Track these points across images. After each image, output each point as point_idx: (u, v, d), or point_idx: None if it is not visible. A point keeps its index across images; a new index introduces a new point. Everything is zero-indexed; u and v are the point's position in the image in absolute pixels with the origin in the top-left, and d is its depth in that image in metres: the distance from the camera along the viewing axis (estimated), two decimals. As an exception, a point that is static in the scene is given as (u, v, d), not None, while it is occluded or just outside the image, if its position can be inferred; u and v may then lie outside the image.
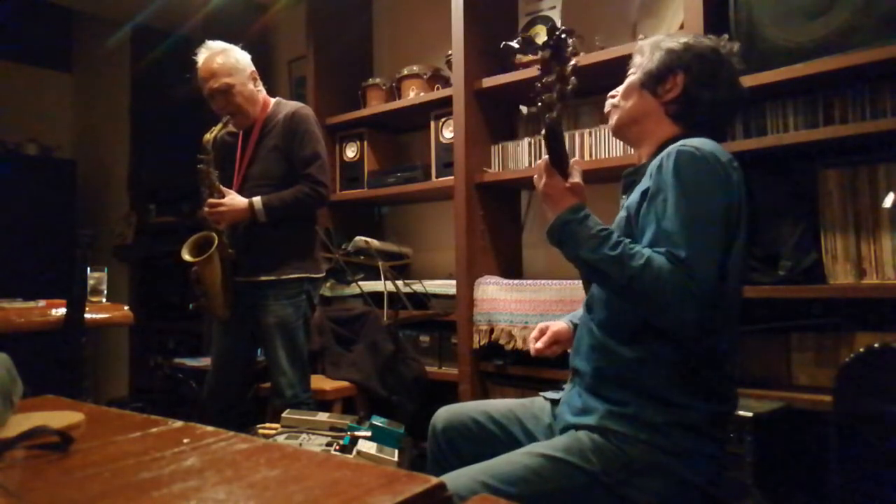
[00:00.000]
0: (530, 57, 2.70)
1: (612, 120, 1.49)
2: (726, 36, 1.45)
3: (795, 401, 1.93)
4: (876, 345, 1.42)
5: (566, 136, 1.34)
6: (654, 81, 1.40)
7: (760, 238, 2.14)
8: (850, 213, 1.98)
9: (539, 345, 1.56)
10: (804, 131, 2.03)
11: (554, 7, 2.72)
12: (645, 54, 1.44)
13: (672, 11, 2.44)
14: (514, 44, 1.30)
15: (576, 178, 1.33)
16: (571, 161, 1.35)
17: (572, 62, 1.28)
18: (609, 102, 1.50)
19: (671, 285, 1.15)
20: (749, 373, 2.15)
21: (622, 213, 1.37)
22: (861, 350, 1.44)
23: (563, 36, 1.26)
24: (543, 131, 1.32)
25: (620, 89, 1.47)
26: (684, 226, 1.19)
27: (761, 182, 2.16)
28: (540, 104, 1.29)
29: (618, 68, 1.58)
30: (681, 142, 1.29)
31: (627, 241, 1.24)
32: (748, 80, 2.06)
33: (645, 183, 1.31)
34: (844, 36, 1.90)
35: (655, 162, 1.29)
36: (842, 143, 2.00)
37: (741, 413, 1.75)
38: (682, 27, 2.27)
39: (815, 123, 2.04)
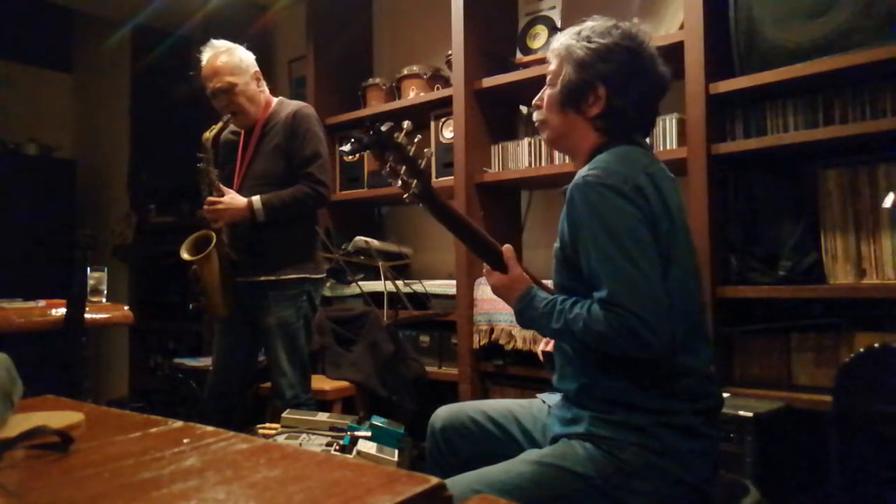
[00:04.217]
0: (531, 57, 2.71)
1: (543, 136, 1.49)
2: (636, 20, 1.41)
3: (795, 401, 1.93)
4: (876, 345, 1.42)
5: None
6: (574, 98, 1.37)
7: (760, 238, 2.14)
8: (850, 213, 1.98)
9: (547, 347, 1.56)
10: (804, 131, 2.03)
11: (554, 7, 2.72)
12: (559, 62, 1.40)
13: (672, 11, 2.44)
14: (346, 147, 1.34)
15: (514, 268, 1.40)
16: (503, 249, 1.41)
17: (399, 140, 1.30)
18: (536, 116, 1.48)
19: (614, 331, 1.18)
20: (749, 373, 2.15)
21: (557, 243, 1.37)
22: (861, 350, 1.44)
23: (378, 128, 1.29)
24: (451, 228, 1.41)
25: (544, 100, 1.44)
26: (607, 261, 1.20)
27: (761, 182, 2.17)
28: (416, 200, 1.34)
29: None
30: (587, 167, 1.30)
31: (568, 304, 1.27)
32: (748, 81, 2.07)
33: (564, 212, 1.32)
34: (844, 36, 1.90)
35: (567, 195, 1.31)
36: (842, 143, 2.00)
37: (741, 413, 1.75)
38: (681, 27, 2.27)
39: (815, 123, 2.04)
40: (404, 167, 1.32)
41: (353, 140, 1.34)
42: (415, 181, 1.33)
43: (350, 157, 1.39)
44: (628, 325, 1.16)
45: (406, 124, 1.34)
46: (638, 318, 1.16)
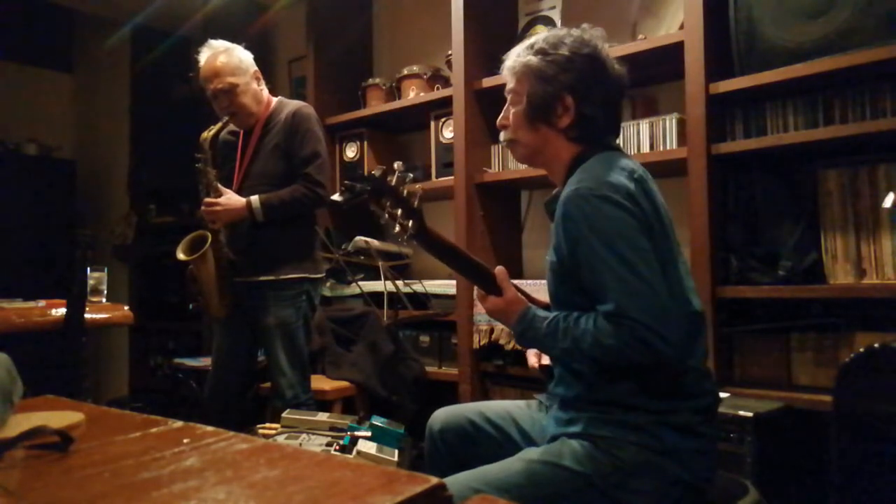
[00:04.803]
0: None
1: (516, 154, 1.49)
2: (585, 25, 1.41)
3: (795, 401, 1.93)
4: (876, 345, 1.42)
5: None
6: (542, 112, 1.37)
7: (760, 238, 2.14)
8: (850, 213, 1.98)
9: (543, 360, 1.56)
10: (804, 131, 2.03)
11: (554, 7, 2.72)
12: (518, 79, 1.39)
13: (672, 11, 2.44)
14: (338, 197, 1.34)
15: (508, 289, 1.39)
16: (496, 272, 1.40)
17: (393, 182, 1.30)
18: (504, 136, 1.46)
19: (625, 344, 1.17)
20: (749, 373, 2.15)
21: (551, 258, 1.36)
22: (861, 350, 1.44)
23: (375, 175, 1.30)
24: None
25: (509, 119, 1.43)
26: (610, 273, 1.20)
27: (761, 182, 2.17)
28: (413, 240, 1.34)
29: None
30: (576, 180, 1.29)
31: (572, 321, 1.25)
32: (748, 81, 2.07)
33: (559, 226, 1.31)
34: (844, 36, 1.90)
35: (560, 209, 1.30)
36: (842, 143, 2.00)
37: (741, 413, 1.75)
38: (681, 27, 2.27)
39: (815, 123, 2.04)
40: (400, 210, 1.32)
41: (343, 188, 1.33)
42: (410, 221, 1.32)
43: (346, 206, 1.38)
44: (639, 336, 1.16)
45: (397, 164, 1.33)
46: (648, 328, 1.16)
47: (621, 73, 1.40)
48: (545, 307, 1.43)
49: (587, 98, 1.35)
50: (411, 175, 1.34)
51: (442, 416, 1.55)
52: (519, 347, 2.52)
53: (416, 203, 1.32)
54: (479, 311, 2.68)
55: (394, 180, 1.30)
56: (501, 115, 1.46)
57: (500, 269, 1.41)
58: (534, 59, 1.37)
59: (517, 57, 1.41)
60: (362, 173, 1.31)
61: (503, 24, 2.86)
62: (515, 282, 1.44)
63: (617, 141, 1.46)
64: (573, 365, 1.33)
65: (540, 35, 1.41)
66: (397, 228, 1.33)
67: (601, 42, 1.39)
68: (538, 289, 2.47)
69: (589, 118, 1.36)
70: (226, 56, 2.38)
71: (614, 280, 1.19)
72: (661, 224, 1.28)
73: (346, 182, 1.34)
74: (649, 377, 1.25)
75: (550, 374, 1.45)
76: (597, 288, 1.22)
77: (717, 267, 2.14)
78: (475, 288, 1.45)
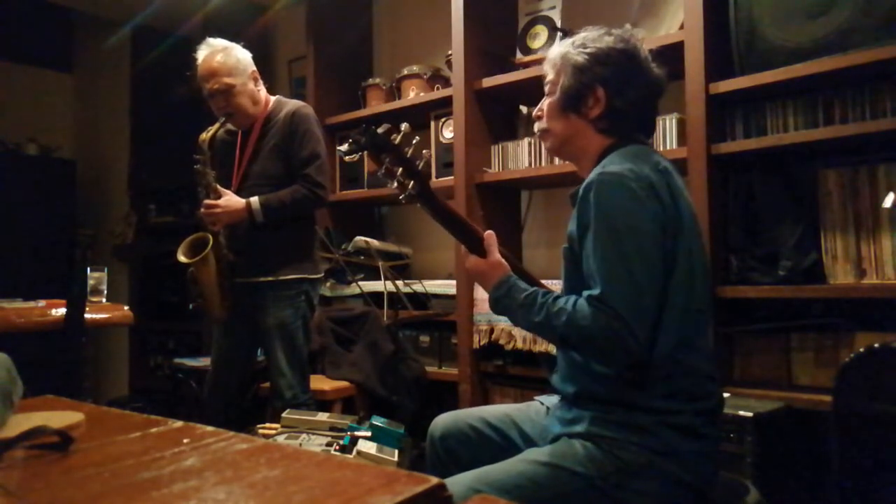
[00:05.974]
0: (531, 57, 2.71)
1: (546, 144, 1.51)
2: (628, 26, 1.44)
3: (795, 401, 1.93)
4: (876, 345, 1.42)
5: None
6: (574, 102, 1.40)
7: (760, 238, 2.14)
8: (850, 213, 1.98)
9: None
10: (804, 131, 2.03)
11: (554, 7, 2.72)
12: (556, 71, 1.43)
13: (672, 11, 2.44)
14: (344, 147, 1.37)
15: (493, 254, 1.40)
16: (485, 236, 1.42)
17: (395, 142, 1.32)
18: (538, 127, 1.50)
19: (598, 328, 1.19)
20: (749, 373, 2.15)
21: (565, 245, 1.38)
22: (861, 350, 1.44)
23: (375, 130, 1.32)
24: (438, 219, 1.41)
25: (544, 109, 1.47)
26: (604, 262, 1.22)
27: (761, 182, 2.17)
28: (412, 201, 1.37)
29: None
30: (601, 166, 1.31)
31: (551, 298, 1.28)
32: (748, 81, 2.07)
33: (576, 210, 1.33)
34: (844, 36, 1.90)
35: (582, 192, 1.31)
36: (842, 143, 2.00)
37: (741, 413, 1.75)
38: (682, 27, 2.27)
39: (815, 123, 2.04)
40: (401, 168, 1.33)
41: (350, 141, 1.35)
42: (412, 182, 1.34)
43: (348, 157, 1.40)
44: (613, 326, 1.17)
45: (404, 126, 1.35)
46: (624, 322, 1.17)
47: (659, 75, 1.42)
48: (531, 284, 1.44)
49: (620, 92, 1.37)
50: (418, 137, 1.37)
51: (442, 422, 1.55)
52: (519, 347, 2.52)
53: (420, 164, 1.35)
54: (480, 310, 2.68)
55: (398, 139, 1.32)
56: (538, 106, 1.49)
57: (489, 234, 1.43)
58: (572, 51, 1.40)
59: (558, 49, 1.44)
60: (367, 126, 1.33)
61: (503, 24, 2.86)
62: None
63: (649, 140, 1.47)
64: (572, 354, 1.34)
65: (583, 32, 1.44)
66: (395, 185, 1.35)
67: (640, 42, 1.41)
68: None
69: (619, 111, 1.37)
70: (223, 56, 2.36)
71: (608, 273, 1.21)
72: (677, 220, 1.27)
73: (353, 135, 1.37)
74: (652, 377, 1.25)
75: (551, 365, 1.45)
76: (590, 275, 1.24)
77: (717, 267, 2.14)
78: (462, 247, 1.46)
